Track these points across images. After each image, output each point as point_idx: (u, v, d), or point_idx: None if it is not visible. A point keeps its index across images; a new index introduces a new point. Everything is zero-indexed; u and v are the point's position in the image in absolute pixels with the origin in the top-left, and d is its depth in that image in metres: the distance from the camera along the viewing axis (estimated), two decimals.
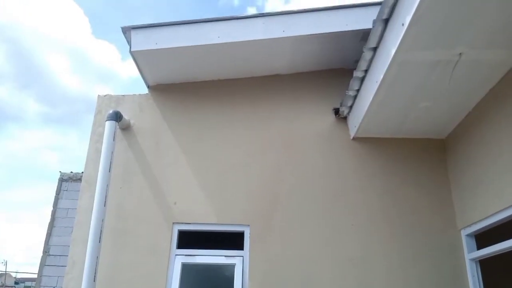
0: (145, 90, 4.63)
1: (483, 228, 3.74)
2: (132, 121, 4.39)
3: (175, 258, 3.96)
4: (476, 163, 3.81)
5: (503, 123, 3.39)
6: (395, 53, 3.07)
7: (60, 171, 9.40)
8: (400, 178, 4.27)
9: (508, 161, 3.32)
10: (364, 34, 4.03)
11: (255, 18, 4.08)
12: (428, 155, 4.37)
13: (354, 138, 4.43)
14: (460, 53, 3.10)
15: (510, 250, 3.39)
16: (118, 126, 4.15)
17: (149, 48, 4.01)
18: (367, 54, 3.51)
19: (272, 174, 4.24)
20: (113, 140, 3.99)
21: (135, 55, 4.11)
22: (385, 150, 4.38)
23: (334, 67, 4.71)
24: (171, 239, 3.99)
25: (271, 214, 4.09)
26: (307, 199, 4.15)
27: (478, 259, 3.89)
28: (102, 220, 3.74)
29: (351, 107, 4.33)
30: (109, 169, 3.88)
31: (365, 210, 4.14)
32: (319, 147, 4.39)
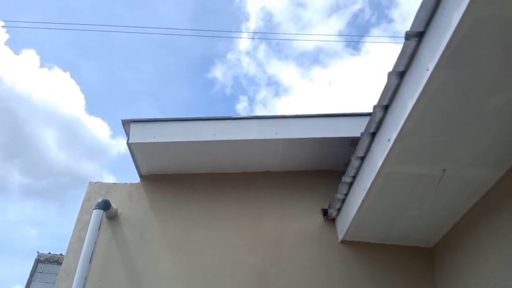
0: (133, 170, 4.67)
1: None
2: (119, 210, 4.36)
3: None
4: (461, 275, 3.77)
5: (488, 237, 3.43)
6: (382, 164, 3.21)
7: (37, 252, 9.03)
8: (387, 285, 4.17)
9: (494, 279, 3.30)
10: (353, 141, 4.23)
11: (250, 120, 4.30)
12: (415, 263, 4.31)
13: (342, 241, 4.41)
14: (444, 169, 3.24)
15: None
16: (105, 215, 4.12)
17: (146, 141, 4.15)
18: (355, 162, 3.65)
19: (257, 275, 4.12)
20: (98, 229, 3.93)
21: (132, 147, 4.23)
22: (373, 256, 4.33)
23: (324, 168, 4.84)
24: None
25: None
26: None
27: None
28: None
29: (339, 209, 4.38)
30: (90, 260, 3.76)
31: None
32: (307, 248, 4.34)
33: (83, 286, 3.66)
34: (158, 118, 4.22)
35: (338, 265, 4.26)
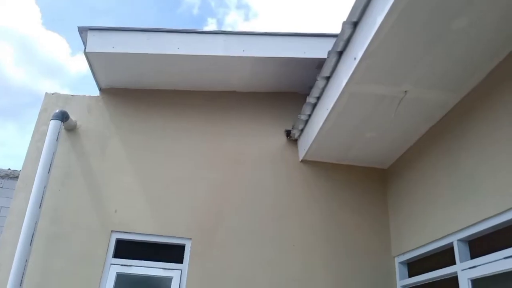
0: (94, 88, 4.51)
1: (415, 257, 3.93)
2: (78, 123, 4.24)
3: (110, 267, 3.82)
4: (412, 195, 4.02)
5: (440, 160, 3.61)
6: (346, 84, 3.21)
7: None
8: (343, 202, 4.42)
9: (440, 197, 3.54)
10: (319, 63, 4.17)
11: (216, 35, 4.12)
12: (370, 183, 4.55)
13: (302, 161, 4.54)
14: (406, 91, 3.29)
15: (439, 279, 3.57)
16: (63, 126, 4.00)
17: (105, 51, 3.93)
18: (320, 83, 3.64)
19: (218, 190, 4.24)
20: (56, 140, 3.83)
21: (89, 56, 4.01)
22: (331, 175, 4.52)
23: (290, 90, 4.83)
24: (107, 247, 3.86)
25: (214, 230, 4.08)
26: (252, 217, 4.18)
27: (409, 286, 4.06)
28: (36, 223, 3.56)
29: (302, 130, 4.45)
30: (49, 170, 3.71)
31: (308, 231, 4.23)
32: (268, 167, 4.46)
33: (42, 195, 3.64)
34: (117, 27, 3.97)
35: (297, 183, 4.43)
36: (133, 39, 3.99)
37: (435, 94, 3.33)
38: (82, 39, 3.96)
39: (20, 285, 3.37)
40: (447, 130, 3.55)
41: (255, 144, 4.54)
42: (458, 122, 3.40)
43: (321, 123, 3.83)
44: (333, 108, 3.54)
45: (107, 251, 3.84)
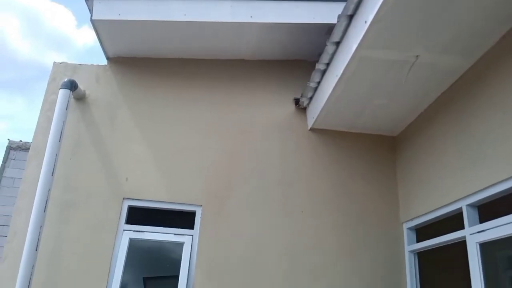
0: (101, 61, 4.49)
1: (423, 222, 3.96)
2: (87, 92, 4.25)
3: (122, 233, 3.91)
4: (421, 162, 4.02)
5: (450, 127, 3.58)
6: (356, 49, 3.15)
7: (8, 139, 8.95)
8: (352, 170, 4.43)
9: (450, 163, 3.53)
10: (329, 29, 4.09)
11: (223, 0, 4.04)
12: (379, 150, 4.54)
13: (311, 129, 4.53)
14: (417, 56, 3.23)
15: (446, 244, 3.61)
16: (72, 96, 4.01)
17: (111, 19, 3.88)
18: (330, 48, 3.58)
19: (228, 158, 4.26)
20: (66, 109, 3.85)
21: (96, 24, 3.96)
22: (340, 143, 4.52)
23: (298, 58, 4.77)
24: (120, 214, 3.93)
25: (224, 197, 4.13)
26: (261, 185, 4.22)
27: (416, 251, 4.12)
28: (49, 190, 3.63)
29: (311, 98, 4.41)
30: (59, 139, 3.75)
31: (317, 198, 4.27)
32: (277, 135, 4.45)
33: (54, 163, 3.69)
34: None
35: (306, 151, 4.44)
36: (139, 6, 3.92)
37: (447, 59, 3.26)
38: (88, 7, 3.91)
39: (36, 250, 3.47)
40: (457, 96, 3.50)
41: (263, 113, 4.52)
42: (468, 89, 3.34)
43: (330, 90, 3.80)
44: (342, 74, 3.49)
45: (119, 217, 3.92)
